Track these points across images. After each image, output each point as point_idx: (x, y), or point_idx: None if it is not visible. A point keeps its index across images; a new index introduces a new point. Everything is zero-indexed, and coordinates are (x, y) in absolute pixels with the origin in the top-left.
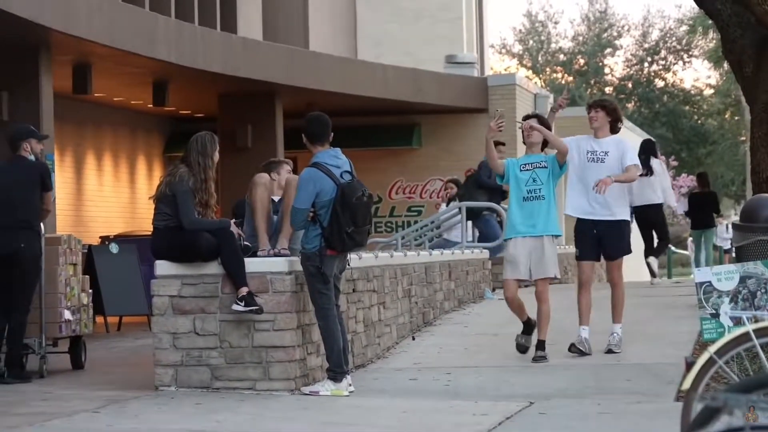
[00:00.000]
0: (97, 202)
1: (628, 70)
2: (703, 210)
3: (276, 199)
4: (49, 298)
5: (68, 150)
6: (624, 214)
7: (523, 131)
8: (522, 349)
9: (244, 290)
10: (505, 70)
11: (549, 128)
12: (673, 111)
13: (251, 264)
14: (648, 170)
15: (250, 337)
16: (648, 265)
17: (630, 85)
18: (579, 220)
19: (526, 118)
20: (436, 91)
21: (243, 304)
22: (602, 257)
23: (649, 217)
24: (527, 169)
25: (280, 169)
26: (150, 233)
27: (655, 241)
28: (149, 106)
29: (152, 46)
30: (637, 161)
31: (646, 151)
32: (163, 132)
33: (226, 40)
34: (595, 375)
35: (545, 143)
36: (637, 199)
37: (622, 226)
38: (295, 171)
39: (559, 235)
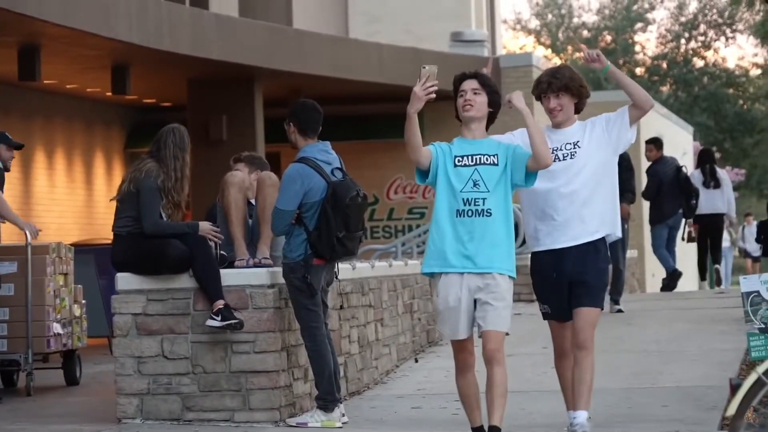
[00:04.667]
0: (48, 206)
1: (663, 47)
2: None
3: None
4: (36, 310)
5: None
6: (605, 229)
7: (459, 95)
8: None
9: (220, 303)
10: (521, 49)
11: (496, 101)
12: (714, 95)
13: (227, 276)
14: (715, 181)
15: (227, 360)
16: (716, 271)
17: (665, 66)
18: (535, 253)
19: (466, 77)
20: (441, 75)
21: (219, 318)
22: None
23: (716, 225)
24: (465, 165)
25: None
26: (110, 242)
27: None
28: (108, 94)
29: (111, 25)
30: None
31: (708, 161)
32: (124, 124)
33: (196, 17)
34: (626, 400)
35: (491, 119)
36: (705, 207)
37: (600, 250)
38: (277, 168)
39: (513, 278)
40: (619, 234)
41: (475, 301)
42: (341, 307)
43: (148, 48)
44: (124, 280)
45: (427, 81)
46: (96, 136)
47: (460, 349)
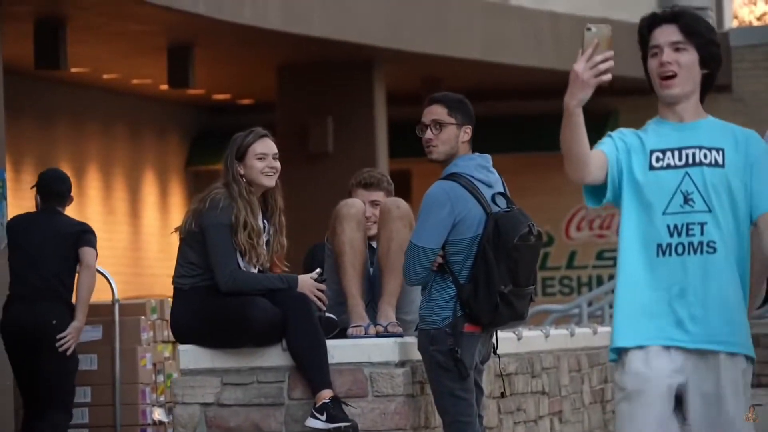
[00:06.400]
0: None
1: None
2: None
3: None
4: (127, 391)
5: (28, 161)
6: None
7: (650, 54)
8: None
9: (325, 394)
10: (758, 19)
11: (713, 56)
12: None
13: (337, 350)
14: None
15: None
16: None
17: None
18: None
19: (658, 19)
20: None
21: (325, 417)
22: None
23: None
24: (668, 166)
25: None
26: (168, 298)
27: None
28: (162, 87)
29: None
30: None
31: None
32: (185, 131)
33: None
34: None
35: (708, 85)
36: None
37: None
38: (406, 192)
39: (753, 359)
40: None
41: (678, 393)
42: (502, 395)
43: (221, 21)
44: (188, 355)
45: (595, 52)
46: (145, 147)
47: None
